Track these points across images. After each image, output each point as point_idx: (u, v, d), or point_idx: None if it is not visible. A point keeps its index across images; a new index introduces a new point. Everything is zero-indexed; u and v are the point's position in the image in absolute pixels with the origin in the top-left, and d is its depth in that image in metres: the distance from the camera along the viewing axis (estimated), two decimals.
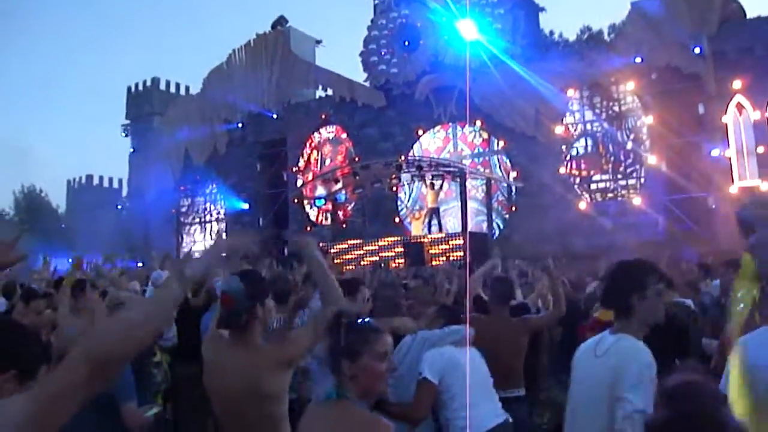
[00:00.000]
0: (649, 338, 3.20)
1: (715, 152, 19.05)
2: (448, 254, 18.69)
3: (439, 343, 4.00)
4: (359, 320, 2.55)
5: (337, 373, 2.42)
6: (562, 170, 21.75)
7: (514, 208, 22.36)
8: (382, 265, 16.72)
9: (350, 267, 17.37)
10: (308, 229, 25.60)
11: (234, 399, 3.11)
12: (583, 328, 5.16)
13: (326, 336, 2.50)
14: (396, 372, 3.46)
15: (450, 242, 19.26)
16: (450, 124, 23.56)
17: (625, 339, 3.02)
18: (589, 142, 21.98)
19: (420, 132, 23.95)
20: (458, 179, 21.26)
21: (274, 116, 26.48)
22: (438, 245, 19.42)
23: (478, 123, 22.63)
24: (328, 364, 2.46)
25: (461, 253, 17.77)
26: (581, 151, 22.13)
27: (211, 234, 29.10)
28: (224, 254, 2.28)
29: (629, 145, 21.22)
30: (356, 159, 23.92)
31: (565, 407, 3.24)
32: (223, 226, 27.87)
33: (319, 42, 29.18)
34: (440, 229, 21.19)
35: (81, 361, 1.70)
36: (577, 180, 21.87)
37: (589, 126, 21.93)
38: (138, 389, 4.45)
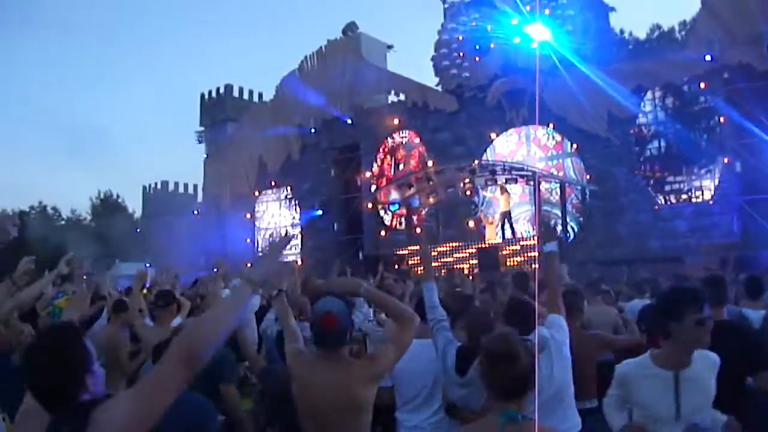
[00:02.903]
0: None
1: None
2: (520, 259, 18.91)
3: None
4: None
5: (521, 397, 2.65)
6: (636, 172, 21.66)
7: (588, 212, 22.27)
8: (454, 267, 17.03)
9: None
10: (382, 233, 25.96)
11: (331, 413, 3.30)
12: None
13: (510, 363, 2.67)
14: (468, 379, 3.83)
15: (522, 245, 19.45)
16: (523, 127, 23.51)
17: None
18: (663, 143, 21.88)
19: (492, 136, 23.87)
20: (531, 183, 21.41)
21: (348, 121, 26.81)
22: (511, 249, 19.65)
23: (551, 126, 22.55)
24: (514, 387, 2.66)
25: (534, 254, 17.89)
26: (655, 152, 22.05)
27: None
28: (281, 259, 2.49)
29: (703, 146, 21.02)
30: (429, 163, 24.07)
31: None
32: (297, 231, 28.19)
33: (390, 47, 29.36)
34: (513, 234, 21.26)
35: (177, 356, 2.03)
36: (651, 182, 21.76)
37: (662, 127, 21.76)
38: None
